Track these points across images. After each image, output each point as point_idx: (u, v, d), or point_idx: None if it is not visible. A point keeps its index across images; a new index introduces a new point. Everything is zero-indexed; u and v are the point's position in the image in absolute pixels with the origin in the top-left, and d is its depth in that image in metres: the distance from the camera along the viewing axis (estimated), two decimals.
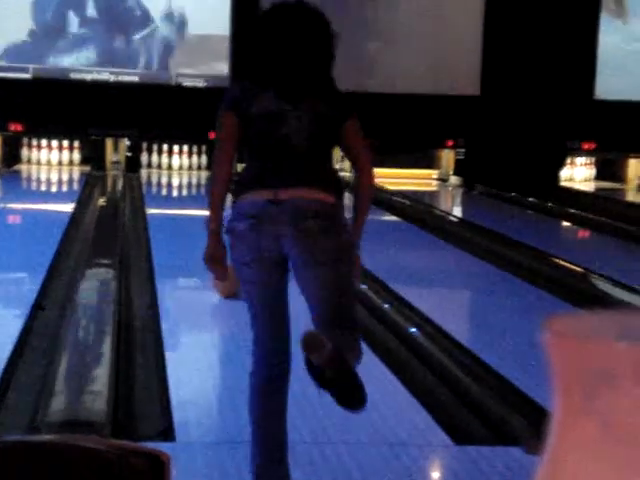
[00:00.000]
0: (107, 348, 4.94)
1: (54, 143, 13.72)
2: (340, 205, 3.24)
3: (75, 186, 12.66)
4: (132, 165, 13.61)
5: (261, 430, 3.29)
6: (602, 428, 0.88)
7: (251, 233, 3.15)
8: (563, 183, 14.21)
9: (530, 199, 11.90)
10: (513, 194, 12.25)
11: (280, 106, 3.23)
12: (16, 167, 13.53)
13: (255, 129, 3.25)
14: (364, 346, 4.65)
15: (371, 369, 4.83)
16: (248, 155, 3.32)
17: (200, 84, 13.52)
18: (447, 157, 14.37)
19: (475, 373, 4.90)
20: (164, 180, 13.55)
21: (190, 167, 13.97)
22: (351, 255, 3.24)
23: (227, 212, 3.28)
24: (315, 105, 3.26)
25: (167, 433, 3.95)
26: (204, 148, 13.99)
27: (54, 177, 13.41)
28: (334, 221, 3.19)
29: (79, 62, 13.28)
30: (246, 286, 3.26)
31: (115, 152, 13.75)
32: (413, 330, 5.65)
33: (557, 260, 7.94)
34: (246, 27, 3.28)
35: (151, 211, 9.95)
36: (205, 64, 13.54)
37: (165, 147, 13.88)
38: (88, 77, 13.27)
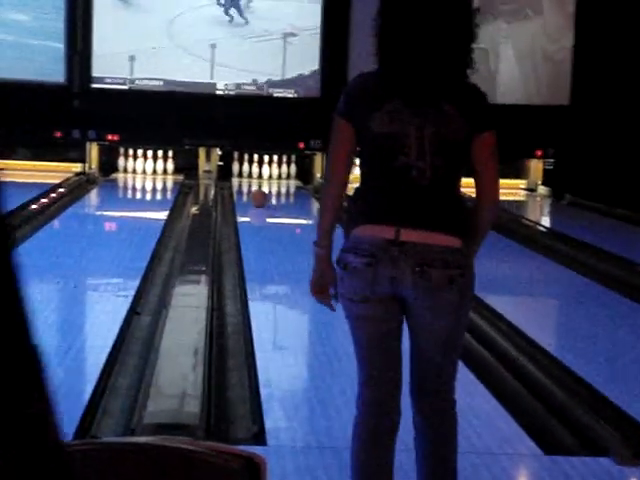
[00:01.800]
0: (200, 353, 4.99)
1: (149, 153, 14.01)
2: (466, 246, 2.89)
3: (169, 194, 12.87)
4: (224, 174, 13.81)
5: None
6: None
7: (366, 271, 2.82)
8: None
9: (619, 209, 11.73)
10: (602, 204, 12.09)
11: (403, 126, 2.81)
12: (113, 176, 13.82)
13: (371, 150, 2.88)
14: None
15: (460, 378, 4.85)
16: (362, 175, 2.94)
17: (290, 94, 13.65)
18: (535, 167, 14.25)
19: (564, 382, 4.87)
20: (254, 189, 13.70)
21: (280, 176, 14.11)
22: (469, 306, 2.93)
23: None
24: (445, 122, 2.83)
25: (258, 437, 3.99)
26: (293, 157, 14.13)
27: (149, 186, 13.67)
28: (462, 270, 2.84)
29: (175, 74, 13.52)
30: (354, 322, 2.91)
31: (207, 161, 13.96)
32: (502, 339, 5.64)
33: None
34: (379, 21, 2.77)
35: (242, 219, 10.08)
36: (296, 74, 13.66)
37: (256, 157, 14.05)
38: (180, 88, 13.50)
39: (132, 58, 13.39)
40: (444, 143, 2.83)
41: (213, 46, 13.55)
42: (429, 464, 3.00)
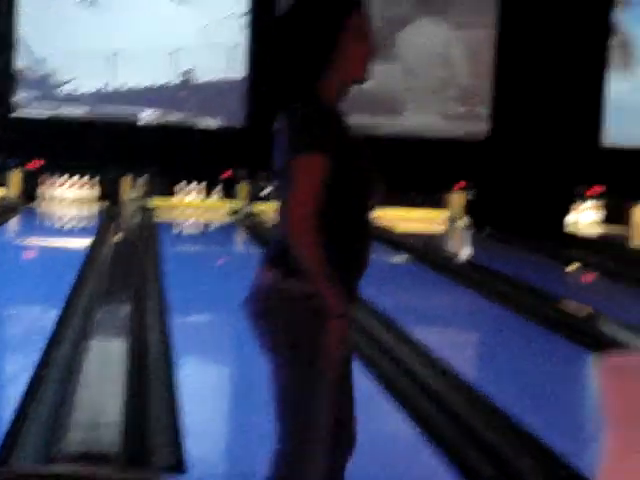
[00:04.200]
0: (121, 380, 4.99)
1: (73, 179, 13.90)
2: (286, 281, 2.58)
3: (92, 222, 12.79)
4: (148, 202, 13.78)
5: None
6: None
7: None
8: (570, 227, 14.31)
9: (537, 242, 11.97)
10: (521, 237, 12.33)
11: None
12: (34, 203, 13.68)
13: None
14: (374, 384, 4.71)
15: (381, 407, 4.89)
16: None
17: (214, 125, 13.73)
18: (457, 198, 14.50)
19: (483, 412, 4.94)
20: (179, 217, 13.68)
21: (203, 205, 14.15)
22: (289, 353, 2.59)
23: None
24: (276, 151, 2.61)
25: (178, 466, 3.99)
26: (217, 187, 14.19)
27: (72, 213, 13.56)
28: (266, 305, 2.60)
29: (98, 104, 13.51)
30: None
31: (131, 189, 13.93)
32: (422, 369, 5.70)
33: (564, 302, 8.01)
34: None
35: (165, 247, 10.05)
36: (220, 105, 13.73)
37: (181, 185, 14.08)
38: (106, 118, 13.49)
39: (56, 84, 13.36)
40: (275, 172, 2.64)
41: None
42: None
